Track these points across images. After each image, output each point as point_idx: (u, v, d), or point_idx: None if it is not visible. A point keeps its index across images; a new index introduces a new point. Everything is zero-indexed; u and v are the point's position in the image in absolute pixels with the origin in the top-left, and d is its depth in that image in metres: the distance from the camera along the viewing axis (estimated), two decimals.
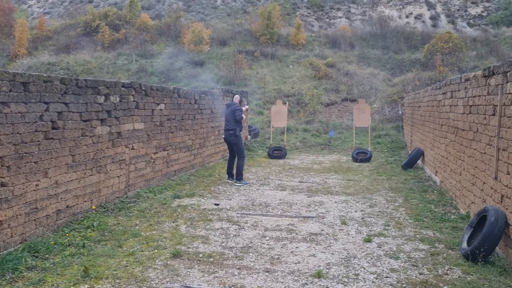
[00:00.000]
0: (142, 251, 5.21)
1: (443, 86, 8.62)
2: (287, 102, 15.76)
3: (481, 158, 5.75)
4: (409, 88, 20.20)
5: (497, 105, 5.14)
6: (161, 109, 8.94)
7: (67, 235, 5.65)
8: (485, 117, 5.61)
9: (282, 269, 4.67)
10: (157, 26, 28.18)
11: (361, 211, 7.14)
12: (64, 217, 6.02)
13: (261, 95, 20.07)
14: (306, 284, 4.28)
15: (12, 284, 4.20)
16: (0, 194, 4.92)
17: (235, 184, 9.36)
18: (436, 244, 5.41)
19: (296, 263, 4.86)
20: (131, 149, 7.82)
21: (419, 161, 11.38)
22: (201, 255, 5.10)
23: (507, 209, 4.68)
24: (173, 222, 6.46)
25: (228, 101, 13.33)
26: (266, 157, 13.95)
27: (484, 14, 40.71)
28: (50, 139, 5.74)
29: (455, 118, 7.40)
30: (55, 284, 4.23)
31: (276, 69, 23.11)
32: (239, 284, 4.28)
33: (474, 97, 6.17)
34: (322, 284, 4.27)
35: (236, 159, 9.69)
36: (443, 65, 21.31)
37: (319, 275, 4.47)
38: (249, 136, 15.82)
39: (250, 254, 5.16)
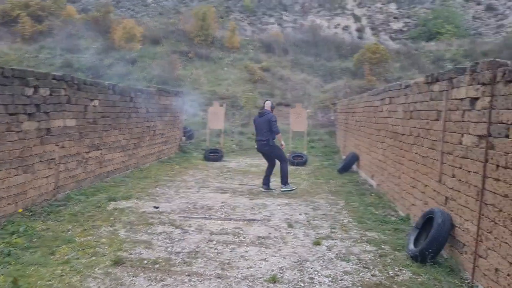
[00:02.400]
0: (78, 258, 4.74)
1: (381, 92, 8.89)
2: (224, 104, 15.53)
3: (423, 161, 5.94)
4: (340, 95, 20.85)
5: (441, 111, 5.32)
6: (95, 106, 8.34)
7: None
8: (427, 122, 5.80)
9: (235, 275, 4.45)
10: (84, 20, 26.68)
11: (306, 214, 7.11)
12: None
13: (195, 96, 19.66)
14: None
15: None
16: None
17: (281, 189, 8.82)
18: (382, 246, 5.48)
19: (248, 268, 4.66)
20: (61, 147, 7.18)
21: (354, 165, 11.69)
22: (145, 262, 4.73)
23: (452, 210, 4.84)
24: (111, 226, 5.99)
25: (166, 100, 12.87)
26: (202, 159, 13.62)
27: (405, 29, 43.42)
28: None
29: (394, 123, 7.64)
30: None
31: (210, 71, 22.82)
32: None
33: (416, 103, 6.37)
34: None
35: (278, 165, 9.09)
36: (371, 74, 22.26)
37: (274, 280, 4.31)
38: (183, 138, 15.39)
39: (199, 259, 4.88)
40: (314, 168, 12.51)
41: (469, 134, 4.46)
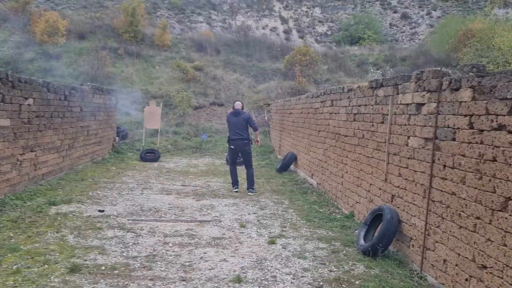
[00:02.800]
0: (28, 267, 4.47)
1: (321, 95, 9.28)
2: (161, 103, 15.24)
3: (368, 162, 6.33)
4: (272, 95, 21.32)
5: (386, 114, 5.71)
6: (29, 105, 7.85)
7: None
8: (372, 125, 6.19)
9: (199, 277, 4.46)
10: (0, 10, 24.73)
11: (254, 213, 7.25)
12: None
13: (127, 94, 19.06)
14: None
15: None
16: None
17: (249, 194, 8.82)
18: (333, 242, 5.76)
19: (210, 269, 4.69)
20: None
21: (292, 165, 12.05)
22: (103, 268, 4.58)
23: (398, 207, 5.23)
24: (57, 232, 5.70)
25: (100, 99, 12.38)
26: (138, 160, 13.29)
27: (329, 32, 45.34)
28: None
29: (336, 125, 8.02)
30: None
31: (142, 69, 22.21)
32: None
33: (360, 106, 6.76)
34: None
35: (245, 168, 9.26)
36: (302, 76, 22.99)
37: (239, 280, 4.38)
38: (117, 138, 14.88)
39: (158, 262, 4.82)
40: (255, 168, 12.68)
41: (416, 136, 4.85)
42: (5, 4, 25.72)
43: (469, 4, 44.86)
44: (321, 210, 7.55)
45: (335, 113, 8.12)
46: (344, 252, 5.38)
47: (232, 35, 33.40)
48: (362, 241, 5.37)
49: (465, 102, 3.94)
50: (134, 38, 25.37)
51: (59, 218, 6.32)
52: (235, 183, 9.21)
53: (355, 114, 6.99)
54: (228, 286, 4.25)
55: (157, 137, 15.52)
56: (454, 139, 4.09)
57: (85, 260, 4.76)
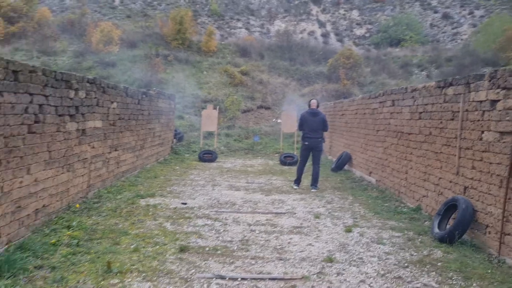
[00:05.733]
0: (144, 247, 5.13)
1: (380, 95, 9.68)
2: (218, 107, 15.98)
3: (436, 157, 6.71)
4: (318, 98, 21.70)
5: (456, 111, 6.09)
6: (114, 108, 8.64)
7: (51, 235, 5.29)
8: (441, 122, 6.57)
9: (293, 257, 5.00)
10: (59, 22, 26.30)
11: (323, 207, 7.74)
12: (41, 217, 5.63)
13: (179, 99, 19.97)
14: (323, 268, 4.67)
15: (33, 283, 3.91)
16: None
17: (312, 190, 9.26)
18: (406, 232, 6.18)
19: (300, 251, 5.22)
20: (92, 147, 7.47)
21: (346, 165, 12.44)
22: (206, 249, 5.19)
23: (472, 198, 5.60)
24: (154, 220, 6.38)
25: (162, 103, 13.19)
26: (196, 160, 14.02)
27: (367, 35, 45.24)
28: (33, 133, 5.37)
29: (398, 123, 8.40)
30: (80, 281, 4.04)
31: (191, 75, 23.12)
32: (264, 271, 4.52)
33: (426, 105, 7.14)
34: (338, 267, 4.70)
35: (312, 165, 9.66)
36: (346, 78, 23.30)
37: (330, 260, 4.89)
38: (174, 140, 15.70)
39: (252, 246, 5.39)
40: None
41: (491, 131, 5.22)
42: (64, 16, 27.28)
43: None
44: (386, 204, 7.95)
45: (397, 113, 8.51)
46: (419, 239, 5.80)
47: (270, 40, 34.06)
48: (437, 230, 5.77)
49: None
50: (182, 45, 26.38)
51: (151, 209, 7.02)
52: (298, 180, 9.70)
53: (420, 112, 7.37)
54: (322, 265, 4.76)
55: (213, 139, 16.24)
56: None
57: (189, 243, 5.38)
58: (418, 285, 4.25)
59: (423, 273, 4.59)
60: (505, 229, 4.84)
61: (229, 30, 41.61)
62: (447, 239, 5.43)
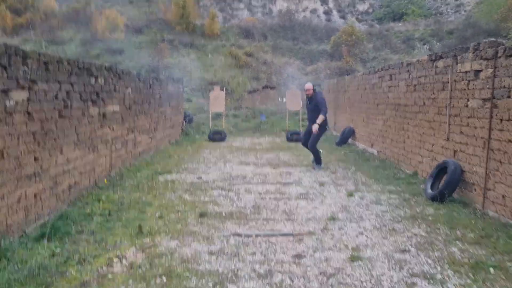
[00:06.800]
0: (167, 215, 5.78)
1: (379, 70, 10.18)
2: (225, 88, 16.52)
3: (429, 125, 7.27)
4: (321, 76, 22.21)
5: (446, 82, 6.63)
6: (129, 93, 9.24)
7: (85, 207, 5.96)
8: (433, 92, 7.11)
9: (300, 218, 5.63)
10: (65, 11, 26.78)
11: (328, 176, 8.36)
12: (74, 192, 6.30)
13: (186, 82, 20.53)
14: (327, 225, 5.31)
15: (77, 243, 4.59)
16: (34, 168, 5.16)
17: (314, 168, 9.11)
18: (402, 194, 6.80)
19: (307, 213, 5.85)
20: (112, 130, 8.11)
21: (350, 138, 13.01)
22: (223, 214, 5.84)
23: (460, 160, 6.18)
24: (174, 192, 7.04)
25: (171, 87, 13.76)
26: (207, 140, 14.65)
27: (370, 10, 45.11)
28: (63, 117, 5.98)
29: (396, 96, 8.94)
30: (117, 241, 4.70)
31: (196, 58, 23.60)
32: (275, 229, 5.16)
33: (419, 77, 7.67)
34: (340, 224, 5.34)
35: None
36: (349, 55, 23.66)
37: (333, 218, 5.53)
38: (184, 122, 16.32)
39: (264, 210, 6.03)
40: None
41: (475, 98, 5.76)
42: (69, 6, 27.73)
43: None
44: (385, 172, 8.56)
45: (394, 86, 9.03)
46: (413, 200, 6.41)
47: (273, 20, 34.27)
48: (429, 190, 6.37)
49: None
50: (186, 29, 26.78)
51: (169, 184, 7.67)
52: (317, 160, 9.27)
53: (415, 85, 7.90)
54: (326, 223, 5.39)
55: (221, 120, 16.84)
56: (509, 97, 5.01)
57: (207, 210, 6.02)
58: (409, 234, 4.88)
59: (415, 225, 5.22)
60: (488, 185, 5.43)
61: (231, 12, 41.73)
62: (438, 198, 6.03)
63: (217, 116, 17.62)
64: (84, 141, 6.71)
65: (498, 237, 4.65)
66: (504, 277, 3.74)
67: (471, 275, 3.78)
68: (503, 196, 5.10)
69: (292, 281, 3.71)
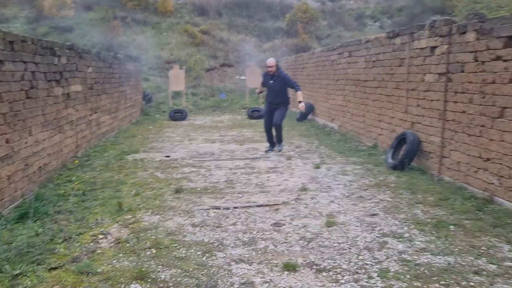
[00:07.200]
0: (143, 192, 5.87)
1: (338, 47, 10.52)
2: (184, 67, 16.40)
3: (388, 99, 7.69)
4: (278, 53, 22.40)
5: (403, 58, 7.03)
6: (90, 72, 9.08)
7: (57, 188, 5.94)
8: (391, 68, 7.51)
9: (273, 190, 5.90)
10: None
11: (293, 151, 8.67)
12: (44, 174, 6.24)
13: (143, 61, 20.15)
14: (299, 195, 5.60)
15: (58, 223, 4.63)
16: (6, 150, 5.10)
17: (276, 149, 8.49)
18: (365, 164, 7.22)
19: (278, 185, 6.13)
20: (76, 110, 7.99)
21: (310, 114, 13.39)
22: (198, 189, 6.01)
23: (418, 131, 6.64)
24: (145, 171, 7.11)
25: (130, 66, 13.53)
26: (167, 119, 14.59)
27: None
28: (29, 98, 5.88)
29: (355, 72, 9.32)
30: (98, 218, 4.78)
31: (151, 36, 23.12)
32: (251, 200, 5.40)
33: (378, 54, 8.05)
34: (311, 193, 5.66)
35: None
36: (304, 33, 23.97)
37: (304, 189, 5.84)
38: (143, 102, 16.13)
39: (237, 184, 6.25)
40: None
41: (431, 73, 6.19)
42: None
43: None
44: (347, 145, 8.99)
45: (354, 63, 9.40)
46: (376, 169, 6.84)
47: None
48: (390, 160, 6.82)
49: (471, 42, 5.26)
50: (138, 6, 26.08)
51: (139, 162, 7.72)
52: (270, 144, 8.61)
53: (374, 61, 8.29)
54: (298, 193, 5.70)
55: (181, 99, 16.77)
56: (462, 71, 5.44)
57: (181, 186, 6.16)
58: (376, 200, 5.28)
59: (380, 192, 5.62)
60: (444, 153, 5.91)
61: None
62: (399, 167, 6.48)
63: (177, 94, 17.52)
64: (51, 122, 6.62)
65: (455, 199, 5.13)
66: (462, 233, 4.18)
67: (434, 233, 4.19)
68: (458, 163, 5.59)
69: (276, 246, 3.98)
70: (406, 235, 4.16)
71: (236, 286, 3.26)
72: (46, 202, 5.29)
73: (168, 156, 8.28)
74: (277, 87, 8.23)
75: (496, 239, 4.03)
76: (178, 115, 14.65)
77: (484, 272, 3.39)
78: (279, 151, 8.48)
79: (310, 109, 13.17)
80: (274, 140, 8.56)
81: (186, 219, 4.75)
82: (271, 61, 8.34)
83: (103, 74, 10.16)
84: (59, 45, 7.16)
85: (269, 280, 3.34)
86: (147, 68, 19.79)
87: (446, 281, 3.27)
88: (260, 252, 3.86)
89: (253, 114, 14.64)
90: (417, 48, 6.58)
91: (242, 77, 20.31)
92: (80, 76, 8.32)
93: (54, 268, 3.57)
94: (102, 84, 9.98)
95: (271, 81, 8.29)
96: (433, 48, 6.14)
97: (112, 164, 7.57)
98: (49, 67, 6.65)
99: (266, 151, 8.56)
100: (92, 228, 4.50)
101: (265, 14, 28.35)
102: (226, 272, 3.49)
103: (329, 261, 3.64)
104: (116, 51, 20.01)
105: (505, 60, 4.67)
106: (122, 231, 4.44)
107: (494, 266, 3.49)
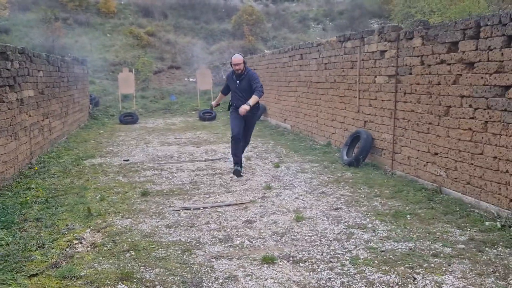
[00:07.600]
0: (109, 196, 5.87)
1: (289, 50, 10.90)
2: (134, 70, 16.15)
3: (341, 100, 8.13)
4: (225, 55, 22.59)
5: (355, 61, 7.48)
6: (41, 77, 8.82)
7: (17, 196, 5.79)
8: (343, 70, 7.94)
9: (238, 189, 6.10)
10: None
11: (251, 151, 8.91)
12: (1, 182, 6.05)
13: (88, 64, 19.60)
14: (265, 193, 5.84)
15: (28, 231, 4.56)
16: None
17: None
18: (322, 162, 7.60)
19: (243, 185, 6.34)
20: (29, 116, 7.76)
21: (262, 115, 13.70)
22: (164, 191, 6.09)
23: (370, 129, 7.10)
24: (106, 175, 7.06)
25: (77, 69, 13.19)
26: (118, 123, 14.35)
27: None
28: None
29: (307, 74, 9.72)
30: (68, 224, 4.76)
31: (94, 38, 22.49)
32: (219, 200, 5.57)
33: (330, 56, 8.48)
34: (276, 191, 5.91)
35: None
36: (250, 35, 24.32)
37: (269, 187, 6.09)
38: (90, 105, 15.73)
39: (202, 185, 6.39)
40: (225, 121, 14.23)
41: (381, 75, 6.65)
42: None
43: None
44: (302, 144, 9.36)
45: (306, 65, 9.80)
46: (333, 166, 7.23)
47: None
48: (345, 157, 7.23)
49: (417, 47, 5.74)
50: (79, 6, 25.26)
51: (98, 167, 7.63)
52: (238, 162, 6.96)
53: (325, 63, 8.71)
54: (264, 192, 5.93)
55: (130, 102, 16.52)
56: (410, 73, 5.93)
57: (147, 189, 6.21)
58: (337, 195, 5.63)
59: (340, 187, 5.99)
60: (395, 149, 6.39)
61: None
62: (354, 163, 6.90)
63: (125, 97, 17.22)
64: (6, 128, 6.42)
65: (408, 191, 5.59)
66: (418, 221, 4.60)
67: (394, 222, 4.59)
68: (408, 158, 6.07)
69: (251, 242, 4.19)
70: (370, 225, 4.52)
71: (220, 280, 3.43)
72: (10, 210, 5.17)
73: (127, 160, 8.24)
74: (246, 88, 6.87)
75: (447, 225, 4.48)
76: (128, 119, 14.45)
77: (442, 255, 3.79)
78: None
79: (262, 110, 13.46)
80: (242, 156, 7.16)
81: (158, 221, 4.84)
82: (237, 57, 6.82)
83: (53, 78, 9.88)
84: (12, 49, 6.94)
85: (251, 273, 3.54)
86: (93, 71, 19.25)
87: (409, 264, 3.62)
88: (237, 248, 4.06)
89: (204, 116, 14.73)
90: (368, 52, 7.03)
91: (192, 79, 20.35)
92: (32, 81, 8.08)
93: (34, 275, 3.57)
94: (52, 89, 9.71)
95: (238, 81, 6.92)
96: (382, 52, 6.61)
97: (69, 169, 7.43)
98: (2, 71, 6.45)
99: (235, 172, 6.82)
100: (64, 234, 4.48)
101: (211, 16, 28.43)
102: (208, 268, 3.65)
103: (304, 252, 3.91)
104: (58, 54, 19.33)
105: (448, 64, 5.17)
106: (95, 235, 4.47)
107: (448, 249, 3.91)
